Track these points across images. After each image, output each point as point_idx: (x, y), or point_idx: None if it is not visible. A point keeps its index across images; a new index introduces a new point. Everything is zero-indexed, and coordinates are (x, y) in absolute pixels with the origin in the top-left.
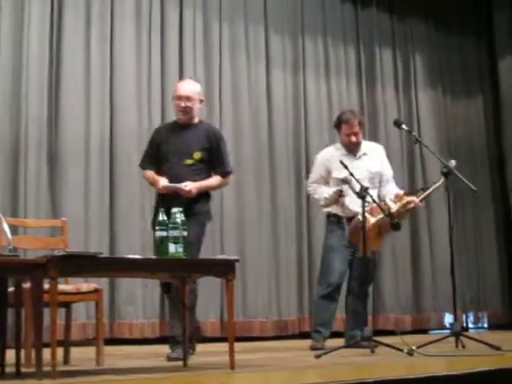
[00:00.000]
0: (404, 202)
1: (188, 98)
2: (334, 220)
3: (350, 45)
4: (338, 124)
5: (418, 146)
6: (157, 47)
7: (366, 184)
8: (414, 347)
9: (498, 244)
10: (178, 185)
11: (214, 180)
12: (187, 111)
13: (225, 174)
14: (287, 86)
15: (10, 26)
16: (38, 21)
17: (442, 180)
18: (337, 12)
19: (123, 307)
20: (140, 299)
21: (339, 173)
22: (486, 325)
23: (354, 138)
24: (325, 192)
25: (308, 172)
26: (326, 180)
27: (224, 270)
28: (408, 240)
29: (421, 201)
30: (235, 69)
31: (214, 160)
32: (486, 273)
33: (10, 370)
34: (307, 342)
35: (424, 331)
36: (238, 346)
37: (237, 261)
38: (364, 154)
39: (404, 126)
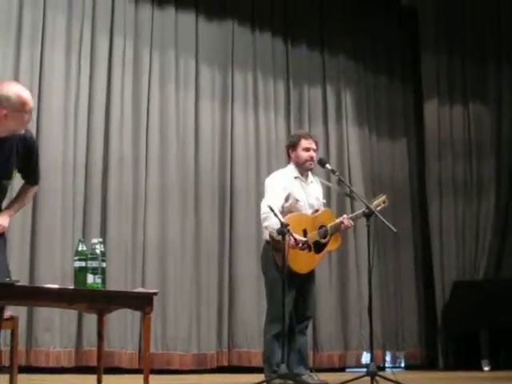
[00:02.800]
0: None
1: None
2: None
3: (279, 79)
4: (297, 140)
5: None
6: (86, 74)
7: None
8: None
9: (416, 285)
10: None
11: (29, 195)
12: None
13: (37, 183)
14: (215, 118)
15: None
16: None
17: (383, 198)
18: (267, 47)
19: (40, 334)
20: (57, 327)
21: (298, 194)
22: (402, 364)
23: (313, 153)
24: (276, 225)
25: (232, 204)
26: (285, 200)
27: (142, 303)
28: (336, 276)
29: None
30: (164, 98)
31: (28, 169)
32: (404, 313)
33: None
34: (225, 378)
35: (341, 369)
36: (155, 378)
37: (155, 294)
38: (311, 182)
39: (328, 166)
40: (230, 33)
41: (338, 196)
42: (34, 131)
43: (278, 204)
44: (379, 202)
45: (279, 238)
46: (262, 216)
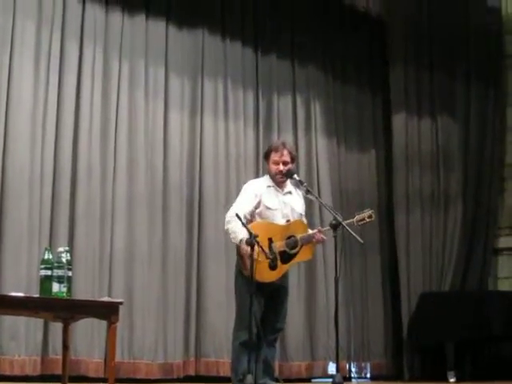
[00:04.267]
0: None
1: None
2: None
3: (248, 89)
4: (268, 152)
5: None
6: (54, 82)
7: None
8: None
9: (383, 295)
10: None
11: None
12: None
13: None
14: (184, 127)
15: None
16: None
17: (369, 213)
18: (237, 56)
19: (5, 342)
20: (23, 335)
21: (269, 201)
22: (368, 375)
23: (281, 167)
24: (241, 234)
25: (201, 212)
26: (255, 207)
27: (107, 312)
28: (304, 286)
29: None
30: (132, 107)
31: None
32: (370, 323)
33: None
34: None
35: (306, 380)
36: None
37: (120, 303)
38: (289, 193)
39: (295, 176)
40: (200, 42)
41: (308, 208)
42: (1, 141)
43: (246, 209)
44: (363, 217)
45: (239, 243)
46: (226, 219)
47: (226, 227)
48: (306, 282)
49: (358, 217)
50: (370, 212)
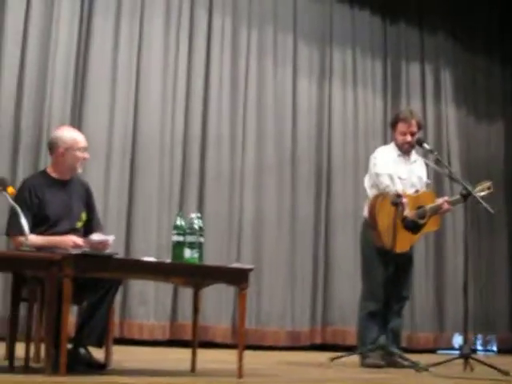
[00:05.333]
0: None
1: (86, 149)
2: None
3: (377, 57)
4: (395, 122)
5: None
6: (184, 49)
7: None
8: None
9: (510, 269)
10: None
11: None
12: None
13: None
14: (312, 95)
15: (39, 25)
16: (67, 20)
17: (488, 184)
18: (366, 24)
19: (135, 307)
20: (152, 301)
21: (400, 171)
22: (494, 348)
23: (409, 138)
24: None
25: (329, 181)
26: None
27: (237, 278)
28: (432, 257)
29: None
30: (261, 74)
31: (93, 214)
32: (496, 296)
33: (18, 363)
34: (319, 355)
35: (431, 351)
36: (249, 354)
37: (250, 270)
38: (415, 161)
39: (426, 145)
40: (329, 9)
41: (437, 177)
42: (132, 107)
43: (387, 172)
44: (483, 188)
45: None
46: (382, 185)
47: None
48: (435, 252)
49: (479, 188)
50: (488, 183)
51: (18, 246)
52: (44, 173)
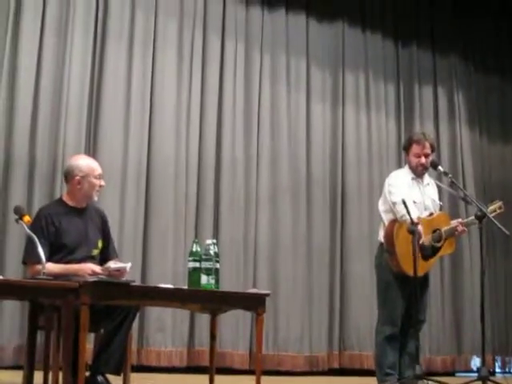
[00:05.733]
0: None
1: (102, 177)
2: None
3: (390, 80)
4: (409, 145)
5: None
6: (197, 77)
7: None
8: None
9: None
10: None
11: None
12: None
13: (117, 255)
14: (326, 119)
15: (53, 54)
16: (81, 49)
17: (499, 204)
18: (378, 48)
19: (152, 334)
20: (169, 327)
21: (414, 194)
22: None
23: (423, 160)
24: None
25: (344, 204)
26: None
27: (254, 304)
28: (448, 279)
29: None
30: (275, 99)
31: (107, 245)
32: None
33: None
34: (337, 380)
35: (449, 374)
36: (266, 379)
37: (267, 295)
38: (428, 184)
39: (440, 168)
40: (341, 34)
41: (451, 199)
42: (146, 134)
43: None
44: (495, 208)
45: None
46: (399, 215)
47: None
48: (452, 274)
49: (490, 208)
50: (500, 203)
51: (35, 274)
52: (60, 201)
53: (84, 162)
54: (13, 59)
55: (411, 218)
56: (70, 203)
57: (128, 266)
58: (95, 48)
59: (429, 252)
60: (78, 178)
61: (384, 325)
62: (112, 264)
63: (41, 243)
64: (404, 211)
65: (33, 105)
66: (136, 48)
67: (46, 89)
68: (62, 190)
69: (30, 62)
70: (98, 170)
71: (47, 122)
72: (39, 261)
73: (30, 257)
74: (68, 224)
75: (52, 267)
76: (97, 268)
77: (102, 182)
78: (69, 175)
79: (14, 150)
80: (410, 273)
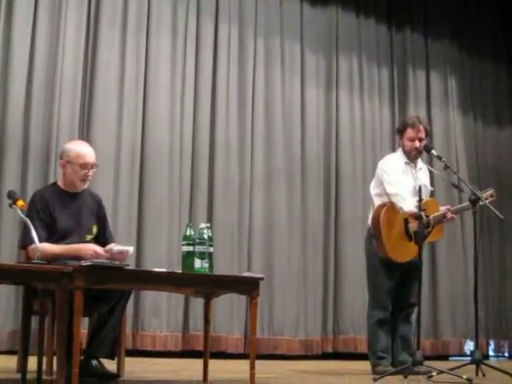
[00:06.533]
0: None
1: (93, 166)
2: None
3: (383, 65)
4: (403, 128)
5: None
6: (191, 60)
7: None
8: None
9: None
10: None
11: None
12: (88, 180)
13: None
14: (320, 102)
15: (46, 37)
16: (74, 32)
17: (491, 192)
18: (371, 32)
19: (147, 319)
20: (164, 311)
21: (406, 179)
22: (506, 354)
23: (417, 143)
24: (408, 206)
25: (338, 188)
26: None
27: (248, 287)
28: (443, 263)
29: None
30: (269, 83)
31: (104, 231)
32: (508, 302)
33: (31, 376)
34: (331, 364)
35: (443, 357)
36: (261, 363)
37: (261, 279)
38: (420, 169)
39: (434, 152)
40: (335, 18)
41: (445, 184)
42: (140, 117)
43: (399, 184)
44: (487, 196)
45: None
46: (397, 198)
47: (393, 192)
48: (446, 258)
49: (482, 196)
50: (492, 191)
51: (32, 257)
52: (55, 185)
53: (73, 148)
54: (6, 43)
55: (419, 206)
56: (64, 187)
57: (131, 249)
58: (88, 31)
59: (420, 238)
60: (62, 162)
61: (375, 309)
62: (115, 246)
63: (37, 226)
64: (401, 204)
65: (26, 90)
66: (130, 31)
67: (39, 72)
68: (55, 175)
69: (24, 46)
70: (86, 159)
71: (41, 105)
72: (35, 243)
73: (27, 240)
74: (61, 208)
75: (52, 248)
76: (99, 249)
77: (90, 173)
78: (59, 158)
79: (8, 133)
80: (396, 259)
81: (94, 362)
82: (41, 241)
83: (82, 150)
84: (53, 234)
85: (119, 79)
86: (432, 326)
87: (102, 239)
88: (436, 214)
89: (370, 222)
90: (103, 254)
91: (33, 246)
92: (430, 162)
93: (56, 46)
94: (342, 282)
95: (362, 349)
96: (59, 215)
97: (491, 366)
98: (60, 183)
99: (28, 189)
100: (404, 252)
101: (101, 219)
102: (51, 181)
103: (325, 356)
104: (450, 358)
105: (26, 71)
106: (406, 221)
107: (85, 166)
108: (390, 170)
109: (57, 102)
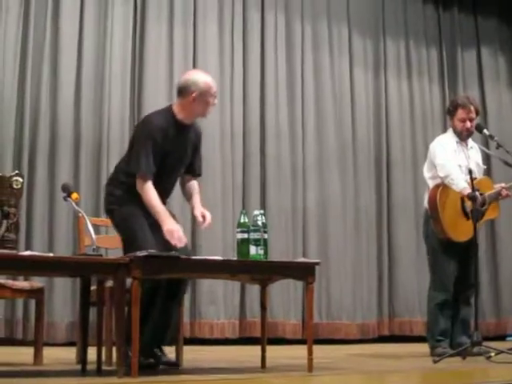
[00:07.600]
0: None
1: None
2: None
3: (432, 45)
4: (453, 109)
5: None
6: (239, 48)
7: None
8: None
9: None
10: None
11: (196, 186)
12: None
13: (200, 174)
14: (369, 86)
15: (94, 31)
16: (121, 28)
17: None
18: (419, 13)
19: (204, 307)
20: (221, 299)
21: (459, 158)
22: None
23: (468, 124)
24: (461, 185)
25: (389, 171)
26: None
27: (304, 273)
28: (487, 244)
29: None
30: (318, 67)
31: (197, 160)
32: None
33: (91, 367)
34: (387, 347)
35: (501, 337)
36: (319, 348)
37: (317, 264)
38: (471, 148)
39: (486, 131)
40: (381, 0)
41: (498, 163)
42: None
43: (451, 163)
44: None
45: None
46: (448, 180)
47: (444, 174)
48: (506, 236)
49: None
50: None
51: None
52: (170, 111)
53: (202, 78)
54: (54, 41)
55: (472, 186)
56: (179, 116)
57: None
58: (135, 25)
59: (476, 216)
60: (194, 95)
61: (436, 290)
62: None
63: (149, 152)
64: (454, 185)
65: (75, 84)
66: (176, 23)
67: (88, 67)
68: (108, 167)
69: (72, 43)
70: (215, 88)
71: (91, 100)
72: (148, 175)
73: (145, 168)
74: (174, 144)
75: (153, 199)
76: (184, 238)
77: (216, 101)
78: (184, 90)
79: (60, 129)
80: (455, 238)
81: (156, 350)
82: (149, 177)
83: (210, 79)
84: (158, 168)
85: (168, 70)
86: (493, 306)
87: (189, 169)
88: (491, 191)
89: (426, 203)
90: (184, 241)
91: (146, 185)
92: (483, 142)
93: (104, 41)
94: (395, 265)
95: (418, 331)
96: (171, 150)
97: None
98: (176, 111)
99: (81, 182)
100: (462, 231)
101: (196, 150)
102: (103, 174)
103: (381, 339)
104: (508, 339)
105: (75, 67)
106: (463, 200)
107: (216, 93)
108: (439, 153)
109: (106, 96)
